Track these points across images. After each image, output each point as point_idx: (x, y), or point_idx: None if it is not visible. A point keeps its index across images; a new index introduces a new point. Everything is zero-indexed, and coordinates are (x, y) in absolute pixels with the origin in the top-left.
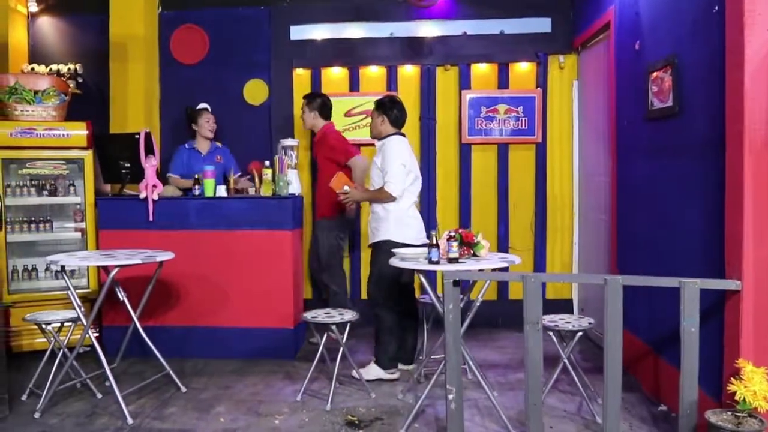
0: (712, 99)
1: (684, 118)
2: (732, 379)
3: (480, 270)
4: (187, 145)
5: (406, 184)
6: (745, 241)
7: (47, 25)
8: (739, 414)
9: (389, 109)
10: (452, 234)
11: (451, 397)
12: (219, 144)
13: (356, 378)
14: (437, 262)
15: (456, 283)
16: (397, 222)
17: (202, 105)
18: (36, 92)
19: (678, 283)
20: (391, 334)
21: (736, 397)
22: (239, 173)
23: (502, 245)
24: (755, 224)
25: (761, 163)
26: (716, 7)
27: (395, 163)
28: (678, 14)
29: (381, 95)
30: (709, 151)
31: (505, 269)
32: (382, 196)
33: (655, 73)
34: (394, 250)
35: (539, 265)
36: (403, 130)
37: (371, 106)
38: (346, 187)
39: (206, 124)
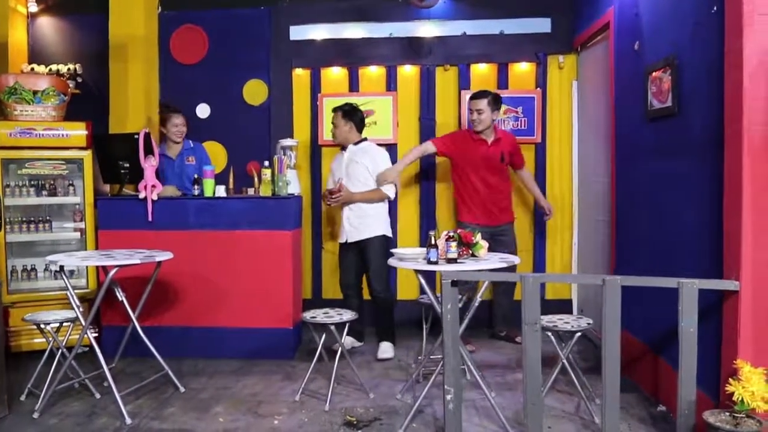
0: (712, 99)
1: (683, 119)
2: (730, 379)
3: (479, 270)
4: (158, 151)
5: None
6: (743, 242)
7: (47, 25)
8: (737, 414)
9: (353, 115)
10: (451, 234)
11: (449, 397)
12: (191, 143)
13: (383, 358)
14: (436, 263)
15: (454, 284)
16: (385, 219)
17: (202, 106)
18: (35, 92)
19: (676, 284)
20: (393, 315)
21: (734, 398)
22: (212, 169)
23: None
24: (754, 225)
25: (760, 163)
26: (715, 8)
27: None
28: (677, 15)
29: (381, 95)
30: (708, 151)
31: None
32: (377, 196)
33: (654, 74)
34: (393, 250)
35: (539, 265)
36: (402, 130)
37: (371, 106)
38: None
39: (174, 129)
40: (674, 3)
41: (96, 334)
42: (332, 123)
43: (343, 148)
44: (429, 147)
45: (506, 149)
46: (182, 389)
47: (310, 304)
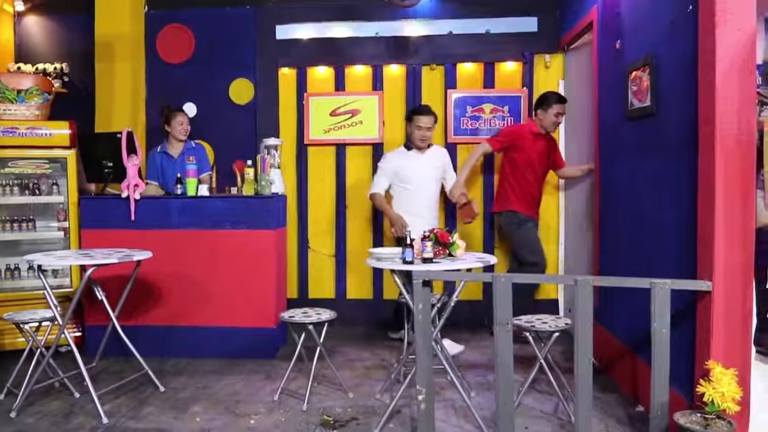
0: (687, 99)
1: (660, 118)
2: (701, 380)
3: (453, 270)
4: (159, 149)
5: None
6: (716, 242)
7: (34, 24)
8: (707, 416)
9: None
10: (427, 234)
11: (421, 397)
12: (193, 143)
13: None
14: (411, 262)
15: (426, 283)
16: None
17: (189, 106)
18: (19, 91)
19: (649, 284)
20: None
21: (705, 399)
22: (210, 172)
23: (488, 244)
24: (726, 225)
25: (733, 164)
26: (690, 7)
27: None
28: (656, 14)
29: (367, 94)
30: (684, 151)
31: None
32: None
33: (634, 73)
34: (370, 250)
35: None
36: (388, 130)
37: (356, 106)
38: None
39: (179, 126)
40: (653, 2)
41: (78, 334)
42: (425, 127)
43: (409, 148)
44: (486, 148)
45: (552, 149)
46: (162, 389)
47: (297, 304)
